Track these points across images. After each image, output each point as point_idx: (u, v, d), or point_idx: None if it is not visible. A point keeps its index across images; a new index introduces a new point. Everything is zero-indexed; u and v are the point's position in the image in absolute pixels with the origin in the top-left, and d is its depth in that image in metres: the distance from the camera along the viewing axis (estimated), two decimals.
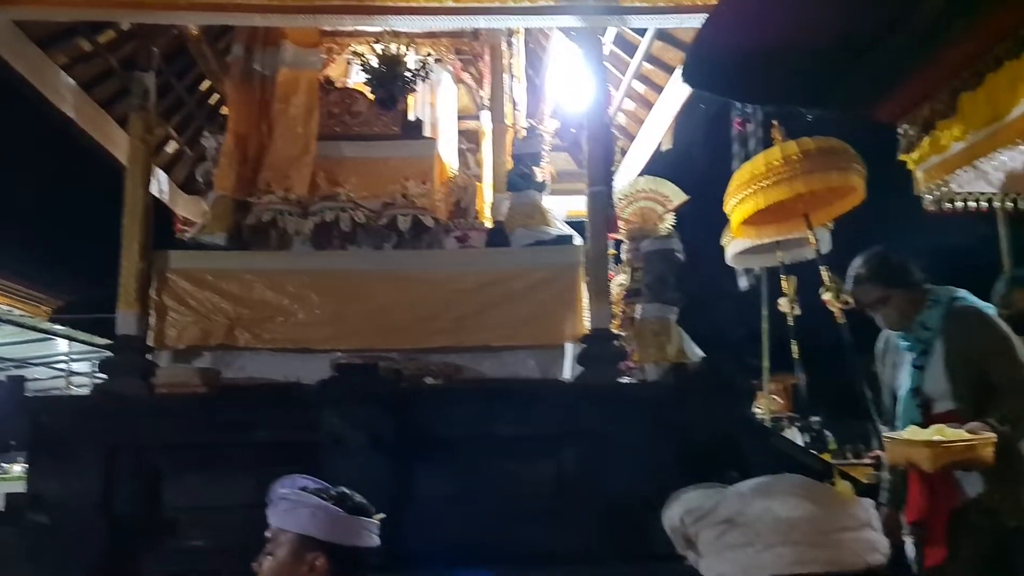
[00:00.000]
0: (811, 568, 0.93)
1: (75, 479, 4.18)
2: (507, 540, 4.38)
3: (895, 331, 3.18)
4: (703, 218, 7.48)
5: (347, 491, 1.93)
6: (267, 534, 1.90)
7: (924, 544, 2.96)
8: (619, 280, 6.37)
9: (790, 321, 7.92)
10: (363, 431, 4.17)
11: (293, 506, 1.85)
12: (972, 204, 3.45)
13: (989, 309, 3.10)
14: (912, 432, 2.80)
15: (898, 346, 3.20)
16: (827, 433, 8.36)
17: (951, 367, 2.97)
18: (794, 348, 7.89)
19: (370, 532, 1.90)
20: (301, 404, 4.33)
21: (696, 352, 5.18)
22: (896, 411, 3.19)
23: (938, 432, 2.72)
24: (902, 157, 3.14)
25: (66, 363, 13.17)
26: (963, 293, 3.12)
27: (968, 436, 2.67)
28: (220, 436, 4.28)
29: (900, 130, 3.15)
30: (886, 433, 3.02)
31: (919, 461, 2.70)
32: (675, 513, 1.03)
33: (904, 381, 3.13)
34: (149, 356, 4.73)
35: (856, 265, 3.21)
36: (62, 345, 12.85)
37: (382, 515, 1.96)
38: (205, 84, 7.66)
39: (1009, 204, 3.58)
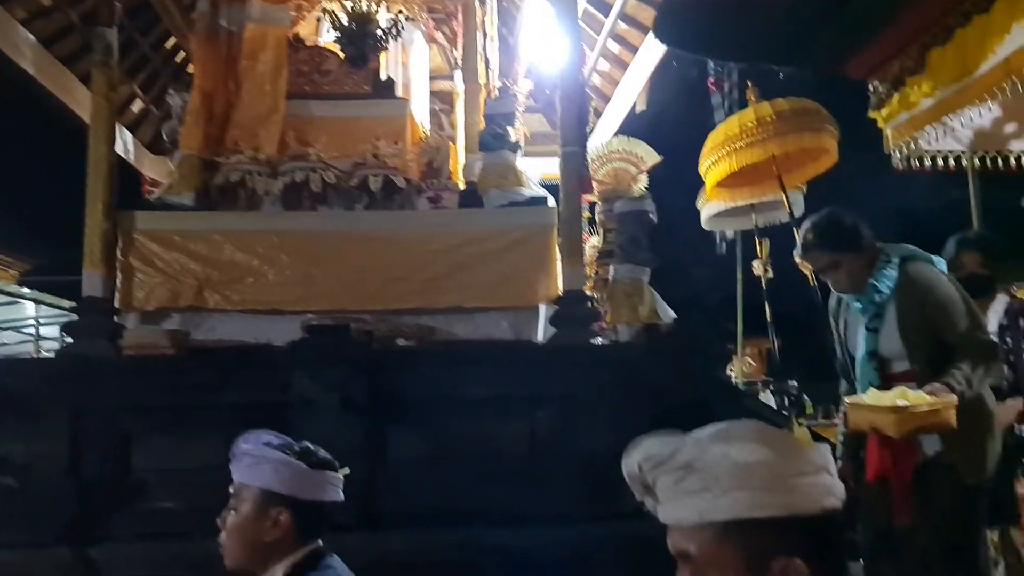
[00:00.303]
0: (767, 512, 0.93)
1: (42, 442, 4.14)
2: (480, 501, 4.40)
3: (848, 295, 3.18)
4: (678, 182, 7.47)
5: (311, 446, 1.92)
6: (231, 489, 1.88)
7: (890, 503, 2.99)
8: (592, 242, 6.35)
9: (764, 284, 7.97)
10: (334, 393, 4.15)
11: (256, 461, 1.84)
12: (941, 162, 3.46)
13: (941, 265, 3.11)
14: (875, 397, 2.82)
15: (850, 306, 3.21)
16: (804, 397, 8.44)
17: (905, 328, 2.97)
18: (767, 311, 7.95)
19: (334, 487, 1.89)
20: (271, 366, 4.29)
21: (669, 313, 5.19)
22: (854, 372, 3.20)
23: (901, 396, 2.73)
24: (872, 114, 3.13)
25: (35, 327, 12.99)
26: (914, 251, 3.10)
27: (931, 400, 2.69)
28: (189, 398, 4.24)
29: (870, 87, 3.14)
30: (849, 399, 3.03)
31: (884, 427, 2.72)
32: (633, 460, 1.02)
33: (859, 343, 3.14)
34: (116, 318, 4.66)
35: (805, 231, 3.18)
36: (31, 309, 12.67)
37: (346, 470, 1.95)
38: (170, 41, 7.49)
39: (977, 162, 3.58)
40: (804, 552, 0.93)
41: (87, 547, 4.04)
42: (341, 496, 1.90)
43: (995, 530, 3.50)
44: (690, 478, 0.96)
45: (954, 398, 2.69)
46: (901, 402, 2.70)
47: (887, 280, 3.01)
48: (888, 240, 3.15)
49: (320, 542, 1.89)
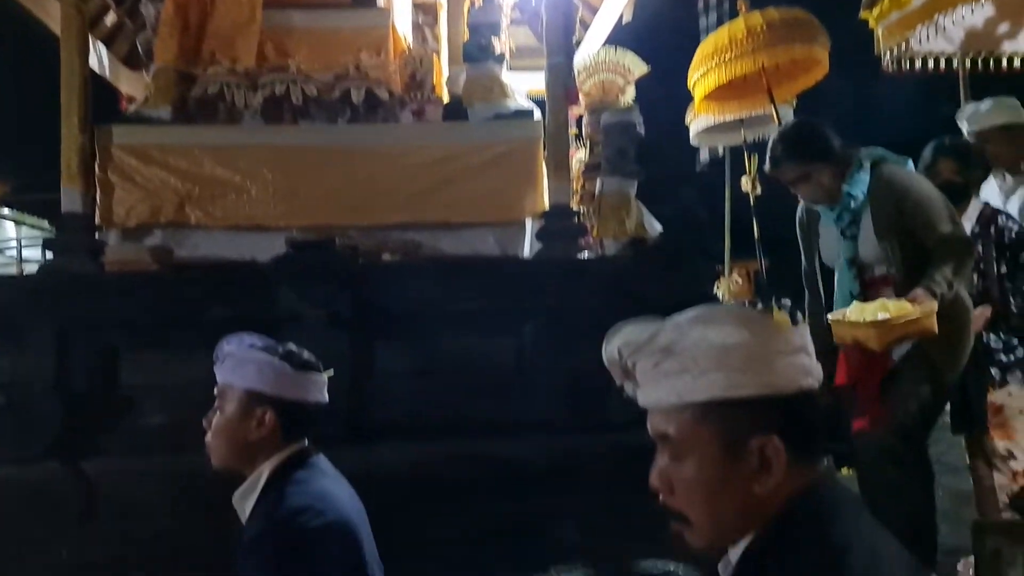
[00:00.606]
0: (745, 391, 0.94)
1: (28, 358, 4.13)
2: (468, 413, 4.44)
3: (821, 205, 3.13)
4: (667, 97, 7.35)
5: (294, 348, 1.91)
6: (215, 391, 1.88)
7: (852, 409, 3.01)
8: (579, 156, 6.28)
9: (752, 201, 7.93)
10: (321, 308, 4.14)
11: (240, 362, 1.83)
12: (931, 64, 3.40)
13: (911, 167, 3.08)
14: (856, 311, 2.81)
15: (821, 216, 3.18)
16: (798, 315, 8.47)
17: (881, 232, 2.96)
18: (755, 228, 7.92)
19: (319, 388, 1.89)
20: (257, 282, 4.27)
21: (655, 227, 5.17)
22: (835, 283, 3.19)
23: (881, 308, 2.73)
24: (863, 14, 3.06)
25: (17, 249, 12.87)
26: (885, 153, 3.06)
27: (911, 309, 2.69)
28: (175, 314, 4.23)
29: None
30: (831, 315, 3.02)
31: (865, 340, 2.73)
32: (613, 346, 1.02)
33: (838, 252, 3.12)
34: (97, 236, 4.60)
35: (772, 143, 3.12)
36: (11, 230, 12.54)
37: (330, 372, 1.95)
38: None
39: (968, 64, 3.52)
40: (781, 431, 0.94)
41: (77, 462, 4.08)
42: (326, 397, 1.91)
43: (965, 436, 3.56)
44: (669, 360, 0.97)
45: (935, 304, 2.69)
46: (882, 315, 2.70)
47: (860, 185, 2.97)
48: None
49: (306, 442, 1.90)
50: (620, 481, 4.14)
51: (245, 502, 1.84)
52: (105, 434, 4.23)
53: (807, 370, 0.97)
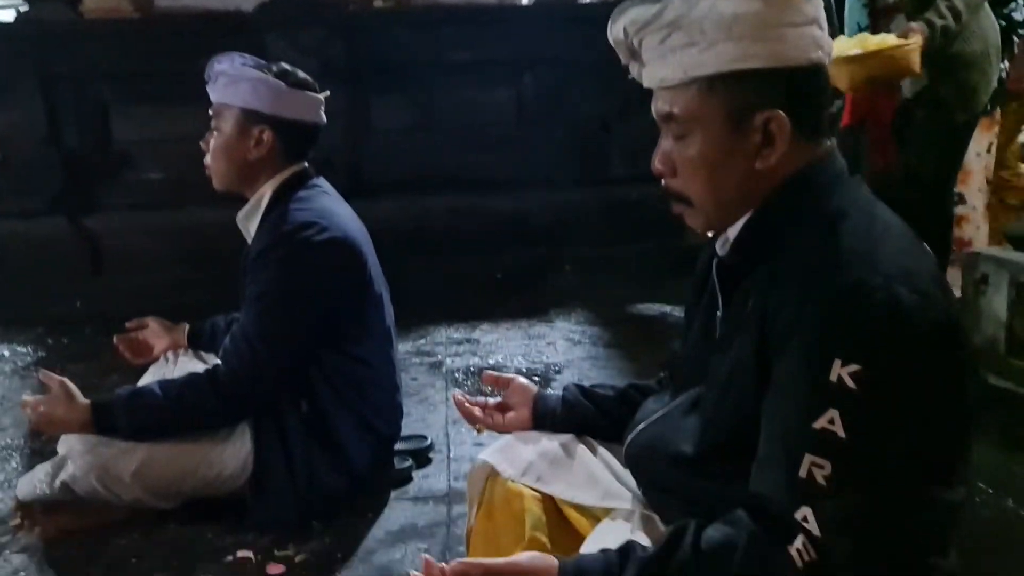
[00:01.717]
0: (753, 63, 0.90)
1: (17, 111, 4.05)
2: (467, 167, 4.42)
3: None
4: None
5: (288, 67, 1.83)
6: (210, 112, 1.83)
7: (867, 148, 2.93)
8: None
9: None
10: (312, 58, 3.98)
11: (233, 80, 1.77)
12: None
13: None
14: (838, 47, 2.64)
15: None
16: None
17: None
18: None
19: (316, 108, 1.84)
20: (244, 30, 4.08)
21: None
22: (847, 10, 3.03)
23: (859, 44, 2.56)
24: None
25: None
26: None
27: (891, 43, 2.52)
28: (161, 65, 4.08)
29: None
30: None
31: (835, 80, 2.59)
32: (619, 25, 0.96)
33: None
34: None
35: None
36: None
37: (327, 92, 1.88)
38: None
39: None
40: (787, 106, 0.90)
41: (80, 216, 4.11)
42: (323, 118, 1.85)
43: None
44: (676, 35, 0.92)
45: (918, 40, 2.52)
46: (855, 51, 2.54)
47: None
48: None
49: (306, 164, 1.87)
50: (618, 234, 4.22)
51: (249, 222, 1.84)
52: (104, 190, 4.23)
53: (818, 42, 0.92)
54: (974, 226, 2.74)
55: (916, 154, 2.79)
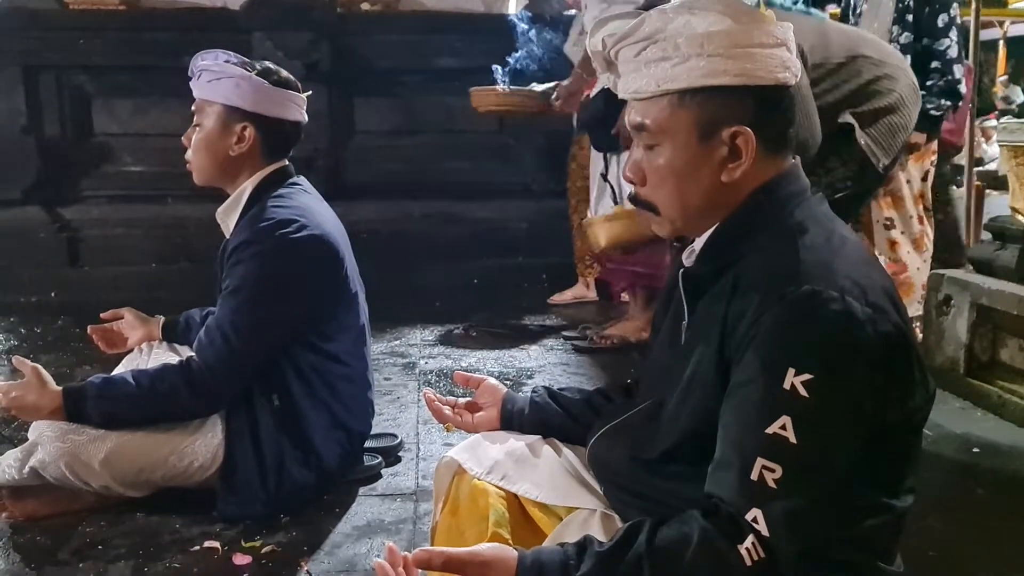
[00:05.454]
0: (722, 79, 0.94)
1: None
2: (447, 174, 4.46)
3: None
4: None
5: (271, 65, 1.86)
6: (192, 108, 1.84)
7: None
8: None
9: None
10: (297, 60, 4.01)
11: (216, 76, 1.78)
12: None
13: None
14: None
15: None
16: None
17: None
18: None
19: (298, 107, 1.86)
20: (230, 28, 4.10)
21: None
22: None
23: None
24: None
25: None
26: None
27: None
28: (146, 59, 4.09)
29: None
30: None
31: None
32: (597, 37, 1.01)
33: None
34: None
35: None
36: None
37: (309, 92, 1.91)
38: None
39: None
40: (754, 122, 0.95)
41: (57, 207, 4.10)
42: (305, 117, 1.88)
43: None
44: (651, 48, 0.96)
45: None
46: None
47: None
48: None
49: (287, 162, 1.89)
50: None
51: (228, 217, 1.86)
52: (84, 181, 4.22)
53: (786, 64, 0.97)
54: (905, 250, 2.76)
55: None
